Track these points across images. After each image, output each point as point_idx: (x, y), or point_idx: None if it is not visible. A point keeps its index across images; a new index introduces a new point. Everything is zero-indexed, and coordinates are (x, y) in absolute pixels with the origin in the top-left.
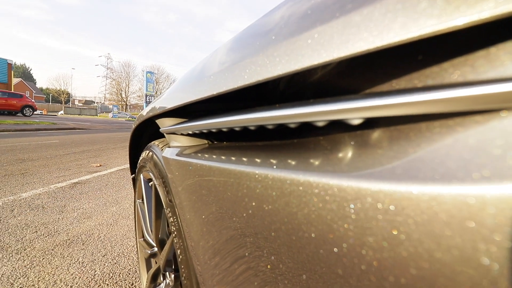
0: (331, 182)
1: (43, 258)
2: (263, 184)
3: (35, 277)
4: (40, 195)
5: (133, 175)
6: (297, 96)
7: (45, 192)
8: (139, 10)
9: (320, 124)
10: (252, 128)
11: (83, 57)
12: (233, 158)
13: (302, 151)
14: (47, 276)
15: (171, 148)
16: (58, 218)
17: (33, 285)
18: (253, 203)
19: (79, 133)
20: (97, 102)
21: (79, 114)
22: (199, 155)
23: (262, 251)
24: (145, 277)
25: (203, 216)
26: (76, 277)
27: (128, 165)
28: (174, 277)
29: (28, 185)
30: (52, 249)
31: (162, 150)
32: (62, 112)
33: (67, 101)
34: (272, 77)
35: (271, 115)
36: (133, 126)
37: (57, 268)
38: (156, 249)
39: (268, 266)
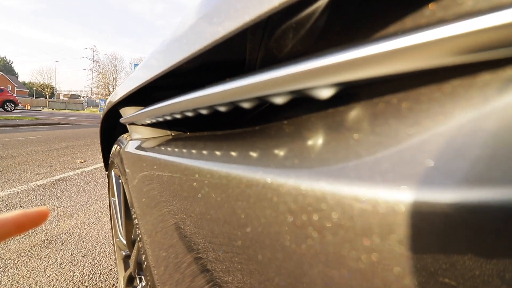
0: (299, 181)
1: (18, 261)
2: (222, 182)
3: (8, 280)
4: (18, 193)
5: (107, 172)
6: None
7: (24, 190)
8: (125, 0)
9: (280, 100)
10: (213, 110)
11: (67, 50)
12: (193, 152)
13: (266, 140)
14: (21, 279)
15: (132, 141)
16: None
17: None
18: (211, 204)
19: (63, 128)
20: (83, 96)
21: (64, 109)
22: (158, 148)
23: (222, 259)
24: (122, 279)
25: (158, 219)
26: (53, 280)
27: None
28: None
29: (6, 183)
30: (29, 251)
31: (126, 141)
32: (46, 107)
33: (51, 96)
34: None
35: (227, 89)
36: (101, 116)
37: (32, 270)
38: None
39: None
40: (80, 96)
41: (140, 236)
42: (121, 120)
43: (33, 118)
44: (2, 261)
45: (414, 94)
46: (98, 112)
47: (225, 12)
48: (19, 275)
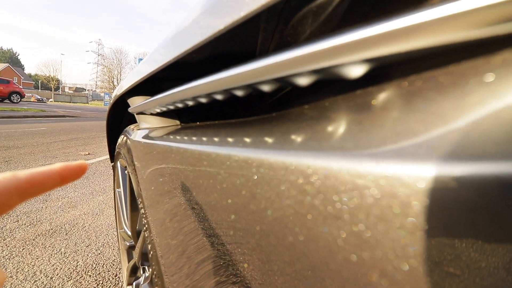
0: (325, 164)
1: (23, 249)
2: (233, 171)
3: (13, 268)
4: None
5: (112, 163)
6: None
7: None
8: None
9: (305, 81)
10: (224, 97)
11: (72, 43)
12: (204, 139)
13: (284, 125)
14: (26, 267)
15: (140, 131)
16: (42, 207)
17: (10, 277)
18: (222, 194)
19: (68, 120)
20: (88, 90)
21: (69, 102)
22: (166, 136)
23: (236, 250)
24: (125, 269)
25: (166, 209)
26: (57, 268)
27: None
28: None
29: None
30: (34, 239)
31: (133, 131)
32: (51, 99)
33: (56, 88)
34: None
35: (240, 73)
36: (108, 107)
37: (37, 258)
38: (133, 241)
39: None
40: (85, 90)
41: (146, 226)
42: (130, 110)
43: (39, 110)
44: (7, 249)
45: (454, 69)
46: (103, 106)
47: None
48: (24, 263)
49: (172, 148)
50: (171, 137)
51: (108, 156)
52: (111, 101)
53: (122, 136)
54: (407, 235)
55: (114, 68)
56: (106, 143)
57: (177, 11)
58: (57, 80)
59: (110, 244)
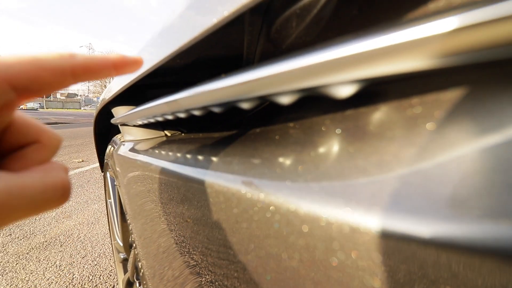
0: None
1: (17, 263)
2: (217, 188)
3: (7, 284)
4: None
5: (103, 172)
6: None
7: None
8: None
9: (287, 100)
10: (207, 111)
11: (62, 47)
12: (187, 156)
13: (268, 146)
14: (20, 282)
15: (124, 144)
16: (35, 219)
17: None
18: (206, 209)
19: (61, 127)
20: (80, 95)
21: (62, 108)
22: (150, 150)
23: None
24: (121, 282)
25: (150, 226)
26: (52, 282)
27: None
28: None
29: None
30: (27, 253)
31: (120, 140)
32: (43, 106)
33: (48, 95)
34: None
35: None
36: (94, 115)
37: (31, 273)
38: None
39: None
40: (77, 95)
41: (136, 241)
42: (112, 121)
43: None
44: (0, 265)
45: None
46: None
47: None
48: (18, 279)
49: (156, 163)
50: (156, 151)
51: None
52: (97, 109)
53: (110, 146)
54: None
55: None
56: None
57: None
58: None
59: (107, 254)
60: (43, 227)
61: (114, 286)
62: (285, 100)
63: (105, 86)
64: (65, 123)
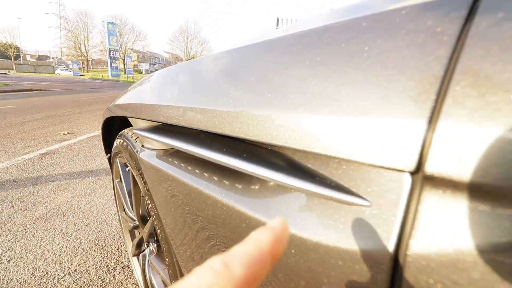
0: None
1: (26, 232)
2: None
3: (22, 249)
4: (8, 168)
5: (108, 155)
6: None
7: (13, 165)
8: None
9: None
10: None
11: (30, 5)
12: (202, 172)
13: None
14: (33, 248)
15: (147, 151)
16: (33, 192)
17: (21, 257)
18: (212, 211)
19: (37, 95)
20: (53, 57)
21: (33, 72)
22: (175, 162)
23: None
24: (130, 245)
25: (175, 212)
26: (63, 247)
27: (98, 132)
28: (157, 246)
29: None
30: (34, 223)
31: (136, 144)
32: (13, 70)
33: (17, 57)
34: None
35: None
36: (103, 119)
37: (42, 240)
38: (137, 222)
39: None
40: (49, 57)
41: (155, 216)
42: (135, 131)
43: (2, 84)
44: (11, 233)
45: None
46: (73, 76)
47: None
48: (30, 244)
49: (174, 176)
50: (176, 163)
51: (88, 136)
52: (108, 114)
53: (120, 140)
54: None
55: (80, 32)
56: (83, 121)
57: None
58: (16, 48)
59: (108, 222)
60: (43, 199)
61: (118, 247)
62: None
63: (79, 48)
64: (40, 90)
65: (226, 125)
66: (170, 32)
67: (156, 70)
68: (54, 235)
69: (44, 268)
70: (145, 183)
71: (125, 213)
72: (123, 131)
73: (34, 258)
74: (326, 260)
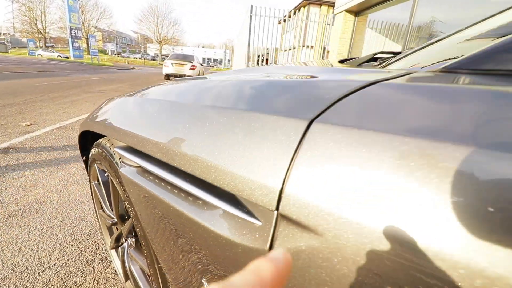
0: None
1: (0, 229)
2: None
3: None
4: None
5: (84, 158)
6: None
7: None
8: None
9: None
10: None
11: None
12: (169, 188)
13: None
14: (9, 245)
15: (127, 167)
16: (1, 189)
17: None
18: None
19: None
20: (4, 34)
21: None
22: (150, 178)
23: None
24: (108, 240)
25: (154, 218)
26: (39, 243)
27: (64, 124)
28: (135, 240)
29: None
30: (6, 220)
31: (115, 155)
32: None
33: None
34: None
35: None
36: (79, 132)
37: (17, 237)
38: (116, 220)
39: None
40: (1, 33)
41: (134, 218)
42: (115, 149)
43: None
44: None
45: None
46: (28, 56)
47: None
48: (6, 242)
49: (152, 193)
50: (154, 180)
51: (53, 127)
52: (84, 128)
53: (97, 149)
54: None
55: (36, 7)
56: (46, 110)
57: None
58: None
59: (83, 217)
60: (13, 196)
61: (95, 241)
62: None
63: (35, 24)
64: None
65: (165, 156)
66: (139, 10)
67: (123, 51)
68: (30, 232)
69: (23, 264)
70: (124, 190)
71: (103, 211)
72: (100, 140)
73: (11, 255)
74: (233, 250)
